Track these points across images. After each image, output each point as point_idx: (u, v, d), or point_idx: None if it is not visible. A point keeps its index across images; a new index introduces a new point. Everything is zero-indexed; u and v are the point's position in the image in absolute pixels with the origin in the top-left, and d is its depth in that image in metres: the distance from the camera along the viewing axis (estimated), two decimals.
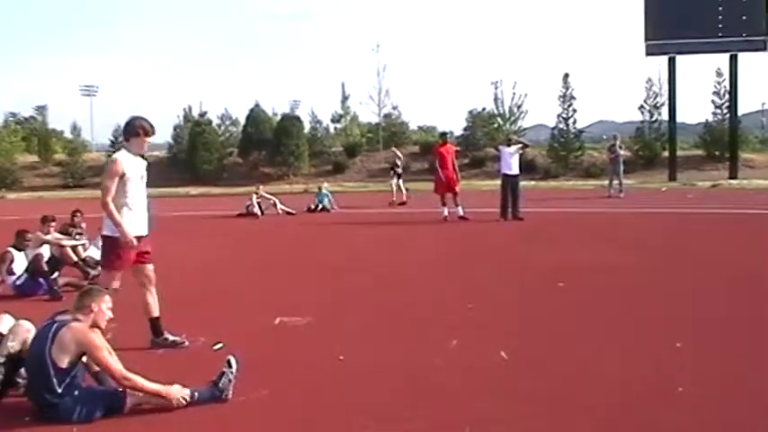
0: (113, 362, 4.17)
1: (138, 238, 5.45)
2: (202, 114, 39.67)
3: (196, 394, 4.28)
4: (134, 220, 5.44)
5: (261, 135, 37.25)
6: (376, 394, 4.50)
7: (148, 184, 5.69)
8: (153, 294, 5.62)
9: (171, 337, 5.64)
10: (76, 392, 4.12)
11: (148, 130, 5.57)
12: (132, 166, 5.47)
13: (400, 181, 21.44)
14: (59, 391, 4.06)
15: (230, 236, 14.43)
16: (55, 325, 4.17)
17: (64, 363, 4.07)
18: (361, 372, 4.97)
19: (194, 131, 37.37)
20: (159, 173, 30.00)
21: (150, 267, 5.62)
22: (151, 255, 5.65)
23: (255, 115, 38.66)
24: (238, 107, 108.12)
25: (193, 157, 36.19)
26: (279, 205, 18.27)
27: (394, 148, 23.46)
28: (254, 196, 18.32)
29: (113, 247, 5.41)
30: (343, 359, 5.22)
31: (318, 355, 5.36)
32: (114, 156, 5.53)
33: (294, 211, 18.28)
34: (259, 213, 17.81)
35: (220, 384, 4.33)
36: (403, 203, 20.27)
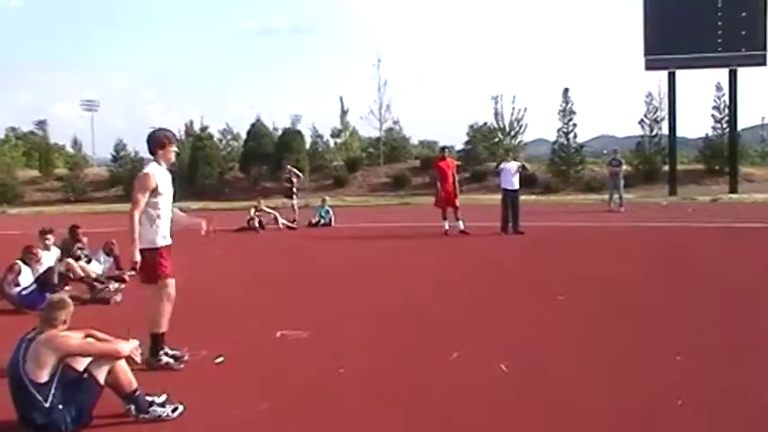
0: (105, 346, 4.10)
1: (167, 248, 5.59)
2: (203, 129, 39.86)
3: (139, 393, 4.23)
4: (164, 232, 5.58)
5: (262, 149, 37.41)
6: (376, 407, 4.49)
7: None
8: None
9: (165, 359, 5.50)
10: (62, 405, 4.00)
11: (172, 140, 5.71)
12: (163, 178, 5.55)
13: (294, 200, 20.21)
14: (47, 405, 3.96)
15: (231, 250, 14.42)
16: (24, 344, 4.09)
17: (44, 376, 3.99)
18: (362, 385, 4.97)
19: (195, 146, 37.53)
20: None
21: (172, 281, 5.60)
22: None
23: (257, 130, 38.85)
24: (240, 122, 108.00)
25: (194, 171, 36.30)
26: (280, 219, 18.31)
27: (289, 166, 22.52)
28: (253, 210, 18.36)
29: (154, 257, 5.44)
30: (343, 372, 5.23)
31: (319, 369, 5.36)
32: (146, 169, 5.54)
33: (295, 225, 18.30)
34: (259, 228, 17.84)
35: (151, 409, 4.23)
36: (293, 221, 18.90)
